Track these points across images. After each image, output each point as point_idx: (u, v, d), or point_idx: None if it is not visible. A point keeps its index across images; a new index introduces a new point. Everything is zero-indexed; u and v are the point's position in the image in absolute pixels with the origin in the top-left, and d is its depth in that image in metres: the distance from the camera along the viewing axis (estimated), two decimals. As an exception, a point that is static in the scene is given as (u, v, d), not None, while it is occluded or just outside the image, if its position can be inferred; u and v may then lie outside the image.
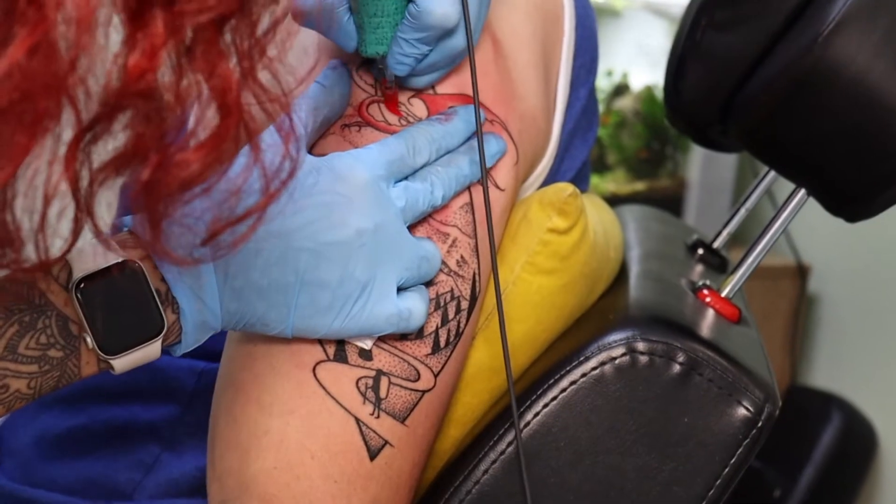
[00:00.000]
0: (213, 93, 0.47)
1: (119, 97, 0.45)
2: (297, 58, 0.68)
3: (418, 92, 0.72)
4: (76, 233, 0.50)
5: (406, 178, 0.69)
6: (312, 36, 0.72)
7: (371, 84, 0.72)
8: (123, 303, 0.61)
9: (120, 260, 0.60)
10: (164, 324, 0.62)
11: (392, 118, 0.71)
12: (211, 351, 0.73)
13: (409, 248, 0.67)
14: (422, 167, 0.70)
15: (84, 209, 0.48)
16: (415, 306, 0.67)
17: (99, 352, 0.60)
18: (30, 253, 0.48)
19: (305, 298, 0.64)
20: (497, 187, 0.74)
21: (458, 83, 0.73)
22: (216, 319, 0.64)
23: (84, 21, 0.43)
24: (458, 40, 0.68)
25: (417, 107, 0.72)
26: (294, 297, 0.64)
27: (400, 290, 0.68)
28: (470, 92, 0.72)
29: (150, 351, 0.62)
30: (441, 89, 0.72)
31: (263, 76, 0.49)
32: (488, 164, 0.72)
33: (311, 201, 0.64)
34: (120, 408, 0.85)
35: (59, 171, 0.46)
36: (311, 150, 0.70)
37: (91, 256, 0.60)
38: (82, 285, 0.59)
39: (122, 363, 0.61)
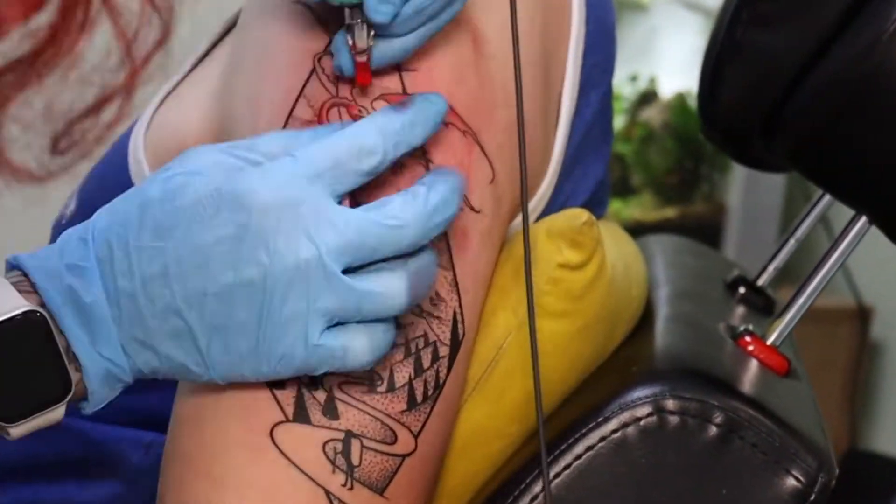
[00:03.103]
0: None
1: None
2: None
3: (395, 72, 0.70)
4: None
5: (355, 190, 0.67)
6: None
7: (332, 81, 0.70)
8: (24, 360, 0.60)
9: (23, 310, 0.60)
10: (72, 384, 0.62)
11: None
12: (160, 419, 0.72)
13: (340, 286, 0.65)
14: (376, 169, 0.66)
15: None
16: (350, 342, 0.66)
17: None
18: None
19: (220, 346, 0.64)
20: (472, 209, 0.72)
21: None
22: (123, 372, 0.64)
23: None
24: None
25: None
26: (207, 344, 0.64)
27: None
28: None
29: (54, 415, 0.62)
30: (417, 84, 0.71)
31: None
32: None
33: (211, 236, 0.63)
34: (50, 486, 0.85)
35: None
36: None
37: None
38: None
39: (20, 430, 0.61)
